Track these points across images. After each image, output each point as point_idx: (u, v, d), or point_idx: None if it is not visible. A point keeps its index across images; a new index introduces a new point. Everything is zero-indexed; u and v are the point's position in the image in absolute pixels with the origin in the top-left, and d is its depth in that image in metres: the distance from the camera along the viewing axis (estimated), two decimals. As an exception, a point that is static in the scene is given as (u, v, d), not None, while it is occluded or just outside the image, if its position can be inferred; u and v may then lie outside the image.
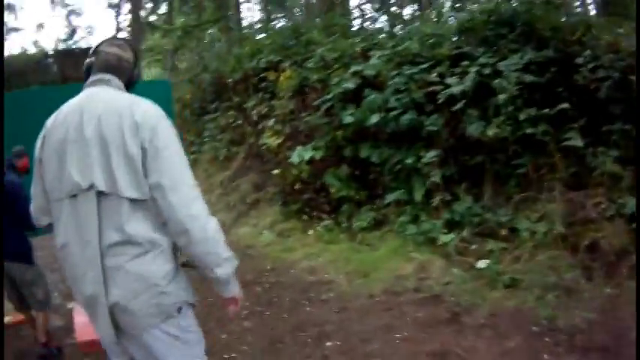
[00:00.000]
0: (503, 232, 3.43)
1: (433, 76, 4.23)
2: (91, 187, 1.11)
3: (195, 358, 1.24)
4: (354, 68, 4.43)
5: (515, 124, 3.74)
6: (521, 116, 3.69)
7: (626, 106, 3.44)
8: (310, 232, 4.39)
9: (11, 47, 15.65)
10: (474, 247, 3.40)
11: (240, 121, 6.16)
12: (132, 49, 1.35)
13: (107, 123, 1.13)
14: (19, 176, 2.68)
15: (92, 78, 1.26)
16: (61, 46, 15.60)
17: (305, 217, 4.62)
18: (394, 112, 4.10)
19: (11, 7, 15.77)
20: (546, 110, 3.65)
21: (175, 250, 1.21)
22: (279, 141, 4.86)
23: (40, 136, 1.25)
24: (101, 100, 1.18)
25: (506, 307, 2.68)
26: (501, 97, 3.77)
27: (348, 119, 4.24)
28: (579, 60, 3.62)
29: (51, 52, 14.17)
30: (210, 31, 14.76)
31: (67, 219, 1.16)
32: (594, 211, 3.22)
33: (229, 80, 6.77)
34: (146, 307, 1.13)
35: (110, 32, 17.38)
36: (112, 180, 1.10)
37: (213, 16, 13.94)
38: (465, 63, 4.14)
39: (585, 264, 2.94)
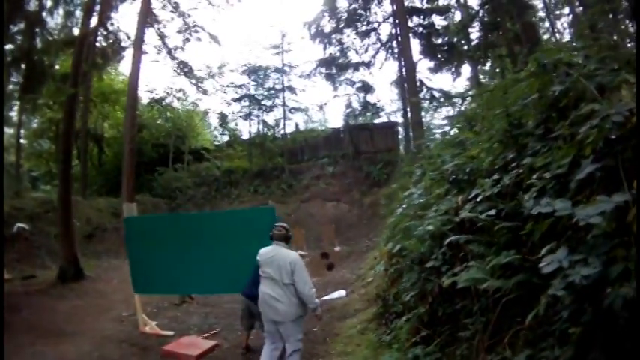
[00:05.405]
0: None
1: (460, 199, 3.88)
2: (275, 277, 4.00)
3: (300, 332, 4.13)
4: (408, 191, 4.81)
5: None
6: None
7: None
8: (374, 334, 4.96)
9: (295, 125, 18.97)
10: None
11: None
12: (284, 228, 4.21)
13: (281, 260, 4.03)
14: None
15: (274, 242, 4.17)
16: (352, 122, 16.69)
17: (384, 320, 5.16)
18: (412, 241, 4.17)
19: (292, 89, 18.43)
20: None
21: (302, 301, 4.02)
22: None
23: (259, 254, 4.17)
24: (279, 251, 4.10)
25: None
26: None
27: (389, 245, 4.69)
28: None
29: (343, 128, 16.02)
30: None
31: (265, 284, 4.06)
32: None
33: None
34: (289, 314, 3.97)
35: (395, 105, 18.52)
36: (282, 276, 3.98)
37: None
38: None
39: None
